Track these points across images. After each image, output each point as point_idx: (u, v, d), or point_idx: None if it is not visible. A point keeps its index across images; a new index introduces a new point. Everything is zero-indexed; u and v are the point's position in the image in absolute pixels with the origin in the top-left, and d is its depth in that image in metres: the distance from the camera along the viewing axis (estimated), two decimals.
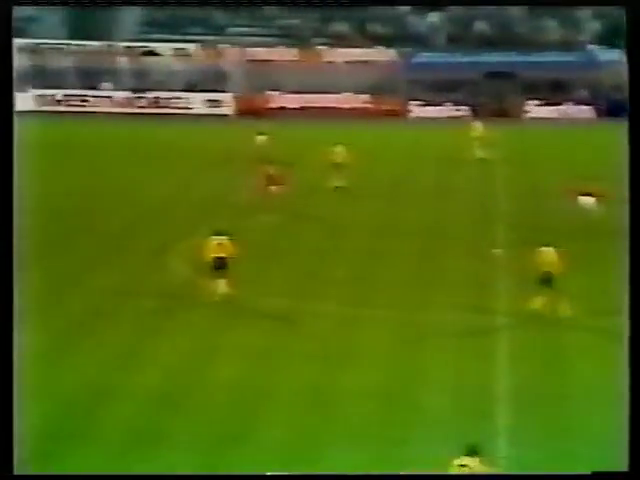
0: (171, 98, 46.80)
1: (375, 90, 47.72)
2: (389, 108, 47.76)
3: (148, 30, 49.31)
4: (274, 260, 23.98)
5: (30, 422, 13.79)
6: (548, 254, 19.32)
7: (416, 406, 15.51)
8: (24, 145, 28.91)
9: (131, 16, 49.43)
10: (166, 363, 17.43)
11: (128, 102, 46.73)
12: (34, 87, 45.98)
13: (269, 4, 45.48)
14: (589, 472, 10.09)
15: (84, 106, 46.25)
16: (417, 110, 48.22)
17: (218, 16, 50.35)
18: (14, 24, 10.60)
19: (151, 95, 46.68)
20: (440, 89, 48.21)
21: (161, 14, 48.99)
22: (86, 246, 25.34)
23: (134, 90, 46.82)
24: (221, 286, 20.30)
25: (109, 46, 47.34)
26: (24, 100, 45.12)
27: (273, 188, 28.36)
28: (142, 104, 46.66)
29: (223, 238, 20.25)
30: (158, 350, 18.07)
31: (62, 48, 46.96)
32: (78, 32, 47.91)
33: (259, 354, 17.81)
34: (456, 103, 47.77)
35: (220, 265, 20.08)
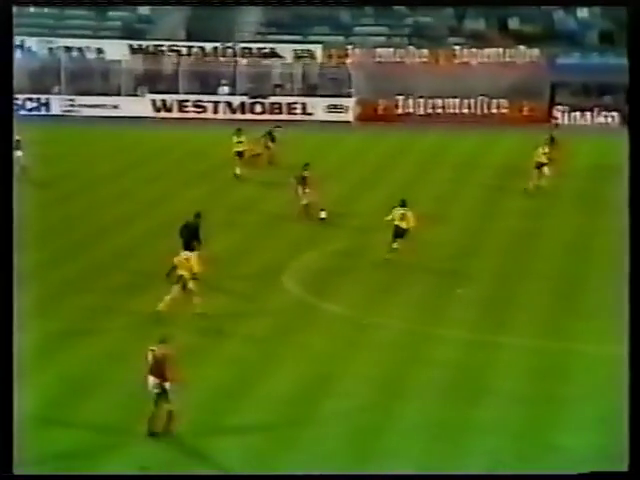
0: (290, 103, 43.98)
1: (515, 94, 43.44)
2: (530, 114, 43.32)
3: (268, 30, 46.89)
4: (396, 280, 22.30)
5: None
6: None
7: (552, 446, 14.36)
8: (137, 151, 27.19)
9: (251, 16, 47.15)
10: (285, 389, 16.58)
11: (244, 107, 44.23)
12: (149, 91, 44.29)
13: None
14: (589, 472, 10.34)
15: (199, 112, 44.11)
16: (562, 116, 43.53)
17: (344, 15, 47.41)
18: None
19: (269, 100, 44.02)
20: (588, 93, 43.52)
21: (283, 13, 46.44)
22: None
23: (251, 95, 44.29)
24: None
25: (226, 47, 45.06)
26: (138, 104, 43.63)
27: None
28: (259, 110, 44.05)
29: None
30: (276, 373, 17.32)
31: (178, 50, 45.08)
32: (196, 33, 45.99)
33: (381, 383, 16.77)
34: (606, 109, 42.85)
35: None
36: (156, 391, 14.31)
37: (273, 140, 33.81)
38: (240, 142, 31.81)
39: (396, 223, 23.20)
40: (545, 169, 30.33)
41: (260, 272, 23.13)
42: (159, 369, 14.26)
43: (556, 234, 26.67)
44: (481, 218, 28.58)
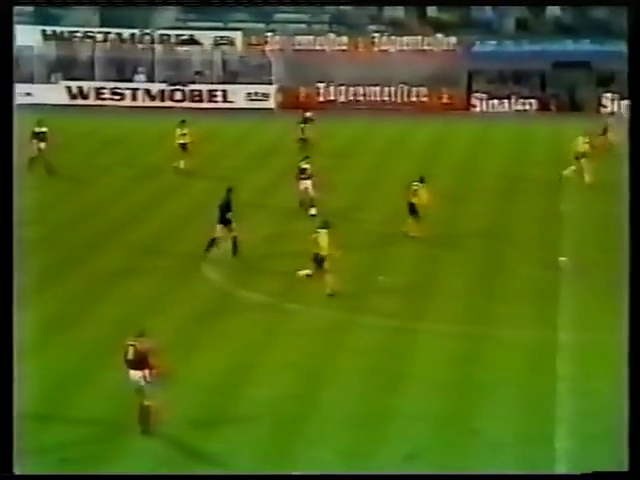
0: (211, 91, 43.55)
1: (433, 82, 43.86)
2: (449, 102, 43.80)
3: (187, 17, 46.30)
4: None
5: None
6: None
7: (474, 430, 14.56)
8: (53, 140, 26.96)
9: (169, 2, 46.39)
10: (207, 377, 16.42)
11: (164, 95, 43.62)
12: (64, 78, 43.28)
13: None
14: (589, 472, 10.36)
15: (117, 99, 43.32)
16: (479, 104, 44.14)
17: (264, 2, 47.10)
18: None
19: (189, 88, 43.51)
20: (505, 80, 44.23)
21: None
22: (116, 255, 23.52)
23: (170, 82, 43.70)
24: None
25: (144, 34, 44.35)
26: (52, 92, 42.63)
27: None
28: (179, 97, 43.50)
29: None
30: (198, 360, 17.08)
31: (93, 36, 44.15)
32: (111, 19, 45.10)
33: (303, 370, 16.71)
34: (522, 96, 43.60)
35: None
36: (142, 384, 14.24)
37: (305, 122, 33.80)
38: (184, 134, 31.01)
39: (409, 199, 23.68)
40: (584, 161, 28.58)
41: (180, 260, 22.87)
42: (141, 362, 14.15)
43: (476, 220, 27.02)
44: (402, 205, 28.80)
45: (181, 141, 30.94)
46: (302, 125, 34.15)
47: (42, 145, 30.40)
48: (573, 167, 29.36)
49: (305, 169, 26.63)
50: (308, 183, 26.57)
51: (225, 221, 22.41)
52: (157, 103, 43.15)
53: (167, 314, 19.48)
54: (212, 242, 22.58)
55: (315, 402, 15.65)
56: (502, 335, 18.45)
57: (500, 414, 15.10)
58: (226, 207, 22.52)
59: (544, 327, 18.80)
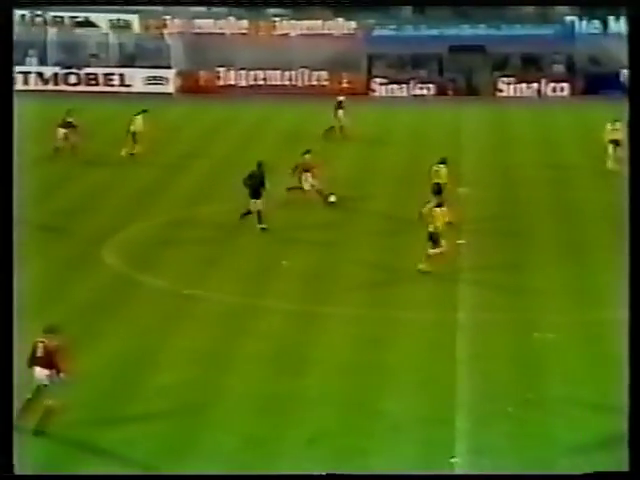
0: (107, 74, 42.59)
1: (334, 66, 44.00)
2: (349, 86, 44.00)
3: None
4: (220, 253, 22.15)
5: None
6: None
7: (377, 412, 14.71)
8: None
9: None
10: (107, 364, 16.28)
11: (57, 79, 42.48)
12: None
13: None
14: (589, 472, 10.39)
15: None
16: (379, 88, 44.49)
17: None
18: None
19: (84, 71, 42.47)
20: (403, 65, 44.74)
21: None
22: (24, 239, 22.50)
23: (64, 65, 42.59)
24: None
25: (36, 16, 43.03)
26: None
27: None
28: (74, 81, 42.41)
29: None
30: (97, 348, 16.85)
31: None
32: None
33: (206, 356, 16.67)
34: (421, 81, 44.15)
35: None
36: (45, 383, 13.76)
37: (340, 108, 33.25)
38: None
39: (433, 180, 23.96)
40: (619, 149, 27.17)
41: (79, 246, 22.40)
42: (50, 360, 13.73)
43: (377, 202, 27.18)
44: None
45: (134, 129, 30.23)
46: (337, 111, 33.41)
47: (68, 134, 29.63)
48: (612, 159, 27.76)
49: (307, 163, 25.93)
50: (309, 175, 25.84)
51: (257, 195, 23.00)
52: (50, 87, 41.96)
53: (64, 300, 18.99)
54: (248, 212, 23.33)
55: (218, 388, 15.53)
56: (403, 317, 18.63)
57: (402, 396, 15.24)
58: (259, 181, 23.14)
59: (444, 308, 19.07)
